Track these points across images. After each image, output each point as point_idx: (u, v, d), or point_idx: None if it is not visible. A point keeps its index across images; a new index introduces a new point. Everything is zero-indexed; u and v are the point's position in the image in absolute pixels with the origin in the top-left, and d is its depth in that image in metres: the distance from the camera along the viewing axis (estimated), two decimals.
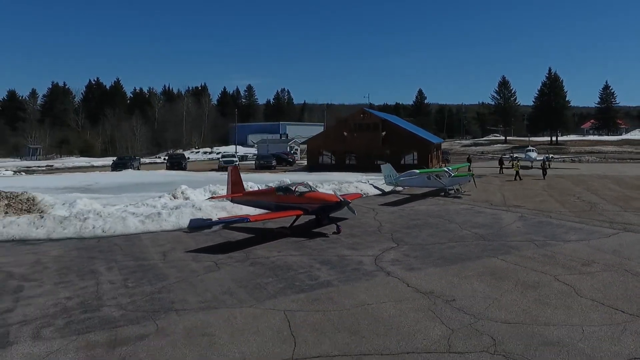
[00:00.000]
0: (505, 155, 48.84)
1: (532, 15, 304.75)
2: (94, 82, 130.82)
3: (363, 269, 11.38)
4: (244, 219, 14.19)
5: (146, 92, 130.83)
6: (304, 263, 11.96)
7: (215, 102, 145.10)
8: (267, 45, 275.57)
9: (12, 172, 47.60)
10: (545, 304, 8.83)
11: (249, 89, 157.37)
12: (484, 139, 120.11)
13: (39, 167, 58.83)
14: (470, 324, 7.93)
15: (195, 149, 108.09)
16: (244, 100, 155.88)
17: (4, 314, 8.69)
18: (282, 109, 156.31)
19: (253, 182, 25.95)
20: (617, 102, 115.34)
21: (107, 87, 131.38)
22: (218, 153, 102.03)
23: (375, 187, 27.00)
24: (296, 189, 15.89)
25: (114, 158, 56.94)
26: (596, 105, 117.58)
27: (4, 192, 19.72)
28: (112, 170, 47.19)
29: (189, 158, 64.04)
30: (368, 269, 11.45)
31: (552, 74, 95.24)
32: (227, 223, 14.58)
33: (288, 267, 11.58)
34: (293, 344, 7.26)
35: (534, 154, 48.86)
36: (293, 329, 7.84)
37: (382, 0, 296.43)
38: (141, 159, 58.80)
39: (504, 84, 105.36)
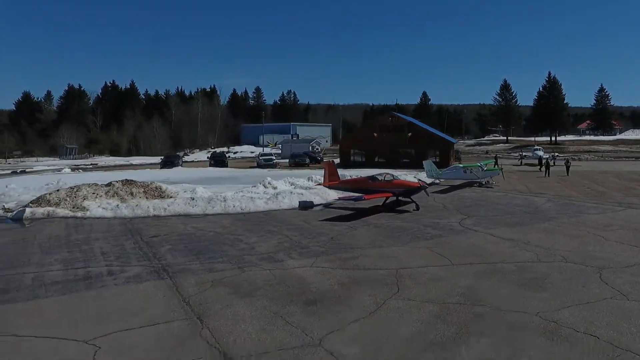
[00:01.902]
0: (526, 154, 53.53)
1: (529, 17, 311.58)
2: (109, 85, 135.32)
3: (456, 229, 16.62)
4: (360, 197, 19.40)
5: (162, 94, 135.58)
6: (412, 226, 17.17)
7: (225, 103, 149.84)
8: (268, 46, 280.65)
9: (70, 170, 52.40)
10: (587, 244, 14.07)
11: (257, 90, 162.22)
12: (486, 138, 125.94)
13: (86, 165, 63.70)
14: (545, 251, 13.15)
15: (212, 148, 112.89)
16: (252, 101, 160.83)
17: (251, 250, 13.81)
18: (289, 110, 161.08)
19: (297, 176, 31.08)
20: (611, 103, 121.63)
21: (122, 89, 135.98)
22: (235, 152, 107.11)
23: (419, 180, 32.17)
24: (384, 178, 21.13)
25: (162, 156, 61.62)
26: (591, 106, 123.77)
27: (139, 182, 24.74)
28: (162, 168, 51.89)
29: (228, 156, 68.45)
30: (458, 228, 16.69)
31: (552, 77, 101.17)
32: (350, 200, 19.82)
33: (403, 228, 16.79)
34: (448, 260, 12.43)
35: (540, 152, 54.25)
36: (440, 254, 13.04)
37: (382, 2, 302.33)
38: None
39: (505, 87, 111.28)
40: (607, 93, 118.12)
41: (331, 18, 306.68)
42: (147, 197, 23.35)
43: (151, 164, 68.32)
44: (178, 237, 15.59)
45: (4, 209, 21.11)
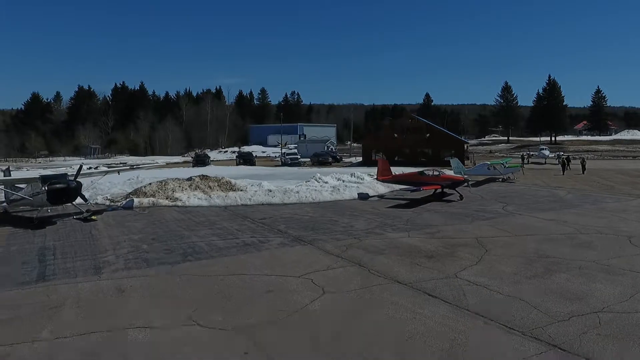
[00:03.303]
0: (559, 154, 55.71)
1: (528, 20, 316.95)
2: (119, 86, 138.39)
3: (502, 213, 20.40)
4: (418, 188, 23.17)
5: (172, 96, 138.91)
6: (465, 211, 20.92)
7: (230, 104, 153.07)
8: (270, 46, 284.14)
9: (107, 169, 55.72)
10: (613, 222, 17.87)
11: (262, 91, 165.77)
12: (487, 138, 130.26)
13: (115, 164, 66.95)
14: (582, 227, 16.93)
15: (222, 148, 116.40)
16: (257, 101, 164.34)
17: (351, 227, 17.46)
18: (292, 110, 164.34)
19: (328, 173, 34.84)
20: (607, 104, 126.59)
21: (132, 90, 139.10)
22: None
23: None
24: (433, 173, 24.91)
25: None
26: (588, 107, 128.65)
27: (212, 177, 28.35)
28: (194, 166, 55.45)
29: (256, 155, 71.17)
30: (504, 213, 20.48)
31: (551, 79, 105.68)
32: (408, 191, 23.57)
33: (459, 213, 20.54)
34: (510, 232, 16.18)
35: (547, 152, 58.38)
36: (501, 229, 16.79)
37: (382, 3, 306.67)
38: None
39: (506, 89, 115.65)
40: (603, 95, 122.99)
41: (332, 19, 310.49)
42: (221, 190, 26.93)
43: (176, 162, 71.86)
44: (283, 219, 19.25)
45: (108, 199, 24.67)
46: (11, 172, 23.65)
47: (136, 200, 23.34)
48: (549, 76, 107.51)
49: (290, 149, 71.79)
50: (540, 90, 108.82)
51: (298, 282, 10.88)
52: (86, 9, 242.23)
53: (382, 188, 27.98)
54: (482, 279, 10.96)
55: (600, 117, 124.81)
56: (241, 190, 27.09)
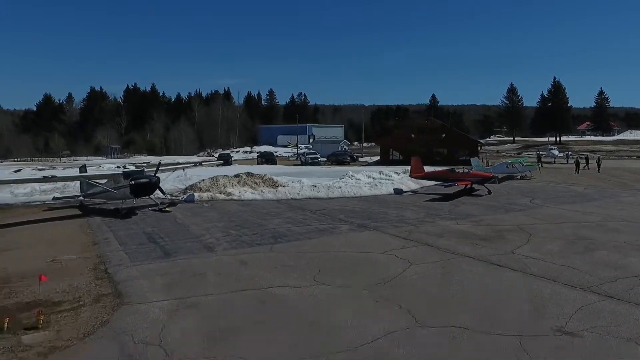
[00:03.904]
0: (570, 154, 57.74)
1: (526, 18, 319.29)
2: (131, 87, 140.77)
3: (531, 206, 22.71)
4: (453, 183, 25.50)
5: (184, 97, 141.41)
6: (498, 204, 23.23)
7: (238, 105, 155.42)
8: (275, 46, 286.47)
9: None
10: (634, 212, 20.16)
11: (270, 92, 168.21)
12: (493, 139, 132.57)
13: (140, 164, 69.42)
14: (607, 216, 19.23)
15: (234, 148, 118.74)
16: (265, 102, 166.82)
17: (402, 217, 19.80)
18: (299, 111, 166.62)
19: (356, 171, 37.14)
20: (610, 105, 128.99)
21: (144, 91, 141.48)
22: (258, 153, 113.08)
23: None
24: (463, 170, 27.25)
25: (217, 154, 67.50)
26: (590, 108, 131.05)
27: (256, 174, 30.68)
28: (217, 165, 57.79)
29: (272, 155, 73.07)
30: (533, 205, 22.79)
31: (556, 81, 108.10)
32: (446, 186, 25.90)
33: (493, 205, 22.84)
34: (545, 221, 18.46)
35: (556, 152, 60.65)
36: (536, 218, 19.11)
37: (385, 4, 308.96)
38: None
39: (512, 90, 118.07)
40: (606, 96, 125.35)
41: (332, 19, 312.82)
42: (266, 186, 29.26)
43: (195, 162, 74.01)
44: (337, 211, 21.55)
45: (167, 194, 27.00)
46: (87, 169, 26.00)
47: (197, 194, 25.67)
48: (554, 78, 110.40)
49: (310, 149, 74.03)
50: (545, 92, 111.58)
51: (384, 257, 13.21)
52: (86, 9, 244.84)
53: (413, 184, 30.27)
54: (536, 254, 13.29)
55: (603, 117, 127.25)
56: (284, 186, 29.43)
